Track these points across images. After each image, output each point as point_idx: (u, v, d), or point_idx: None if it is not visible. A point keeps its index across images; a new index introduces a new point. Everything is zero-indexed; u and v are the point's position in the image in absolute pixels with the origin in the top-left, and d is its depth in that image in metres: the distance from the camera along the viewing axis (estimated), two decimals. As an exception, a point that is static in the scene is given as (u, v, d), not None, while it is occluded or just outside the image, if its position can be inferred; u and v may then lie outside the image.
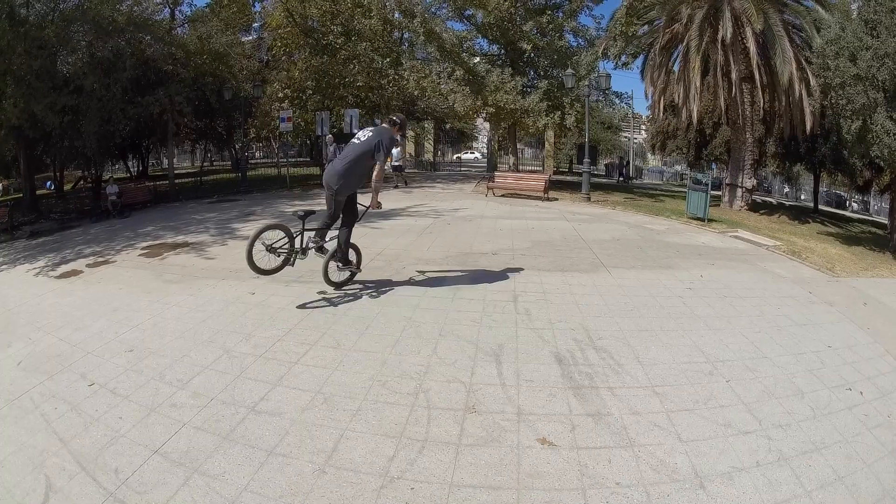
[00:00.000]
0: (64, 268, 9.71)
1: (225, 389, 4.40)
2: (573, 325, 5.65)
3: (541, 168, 31.88)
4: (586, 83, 19.23)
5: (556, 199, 17.38)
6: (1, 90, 14.95)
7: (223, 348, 5.25)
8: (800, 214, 21.54)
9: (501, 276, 7.56)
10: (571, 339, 5.24)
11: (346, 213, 6.47)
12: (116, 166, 32.60)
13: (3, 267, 10.79)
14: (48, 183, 30.37)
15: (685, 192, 15.64)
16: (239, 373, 4.69)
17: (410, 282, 7.16)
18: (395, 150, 19.13)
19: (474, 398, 4.14)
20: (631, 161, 43.09)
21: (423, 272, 7.66)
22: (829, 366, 5.04)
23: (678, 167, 45.76)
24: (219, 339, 5.50)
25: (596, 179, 23.27)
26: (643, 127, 51.55)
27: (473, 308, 6.15)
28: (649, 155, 51.09)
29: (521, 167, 28.44)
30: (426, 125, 33.16)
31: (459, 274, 7.59)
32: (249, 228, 12.05)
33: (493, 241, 9.86)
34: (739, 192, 19.32)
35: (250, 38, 28.00)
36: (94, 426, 4.03)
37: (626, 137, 53.08)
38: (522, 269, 7.89)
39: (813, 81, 15.67)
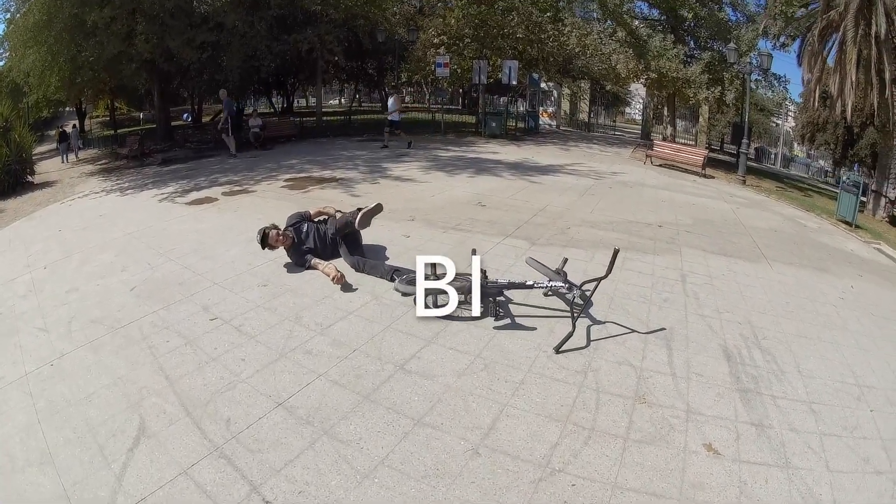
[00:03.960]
0: (196, 194, 9.76)
1: (371, 340, 4.09)
2: (739, 318, 5.14)
3: (693, 142, 30.85)
4: (748, 60, 18.79)
5: (713, 177, 16.63)
6: (131, 27, 15.89)
7: (372, 293, 4.92)
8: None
9: (668, 251, 7.10)
10: (738, 335, 4.75)
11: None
12: (259, 102, 33.84)
13: (129, 192, 11.09)
14: (185, 115, 32.35)
15: (831, 189, 14.38)
16: (389, 323, 4.36)
17: (576, 244, 6.82)
18: (389, 101, 18.43)
19: (644, 387, 3.74)
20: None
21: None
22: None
23: (822, 162, 42.77)
24: (367, 281, 5.17)
25: (748, 163, 22.41)
26: (790, 115, 48.27)
27: (643, 282, 5.74)
28: (795, 145, 47.74)
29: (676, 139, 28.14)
30: (582, 84, 32.19)
31: (626, 242, 7.13)
32: (402, 169, 11.84)
33: (656, 213, 9.39)
34: (883, 201, 18.21)
35: (401, -17, 28.17)
36: (209, 366, 3.76)
37: (774, 123, 50.04)
38: (688, 247, 7.41)
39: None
